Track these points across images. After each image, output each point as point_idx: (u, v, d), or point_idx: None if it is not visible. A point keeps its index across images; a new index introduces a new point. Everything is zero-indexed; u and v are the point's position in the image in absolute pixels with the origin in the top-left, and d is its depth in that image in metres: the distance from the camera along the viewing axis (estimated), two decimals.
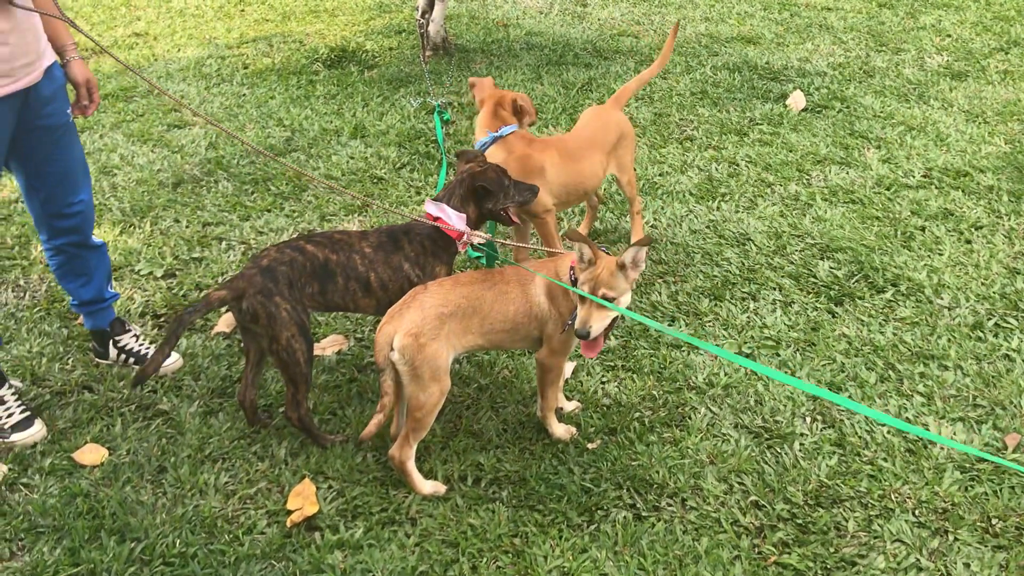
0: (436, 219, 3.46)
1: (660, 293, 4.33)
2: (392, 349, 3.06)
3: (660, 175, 5.49)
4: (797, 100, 6.42)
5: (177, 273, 4.66)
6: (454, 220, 3.47)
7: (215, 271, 4.65)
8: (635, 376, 3.77)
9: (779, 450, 3.35)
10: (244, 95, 6.91)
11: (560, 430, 3.45)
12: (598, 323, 3.06)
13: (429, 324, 3.06)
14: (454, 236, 3.47)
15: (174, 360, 3.91)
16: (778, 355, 3.86)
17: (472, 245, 3.49)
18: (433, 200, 3.49)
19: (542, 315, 3.27)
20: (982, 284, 4.28)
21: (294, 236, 4.91)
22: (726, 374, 3.75)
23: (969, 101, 6.32)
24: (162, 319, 4.30)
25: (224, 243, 4.93)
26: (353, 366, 3.90)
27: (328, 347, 4.03)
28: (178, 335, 3.17)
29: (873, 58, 7.30)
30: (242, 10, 9.25)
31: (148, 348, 3.95)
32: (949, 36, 7.77)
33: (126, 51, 8.07)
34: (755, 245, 4.70)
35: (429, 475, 3.27)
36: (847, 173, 5.41)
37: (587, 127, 4.50)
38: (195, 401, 3.69)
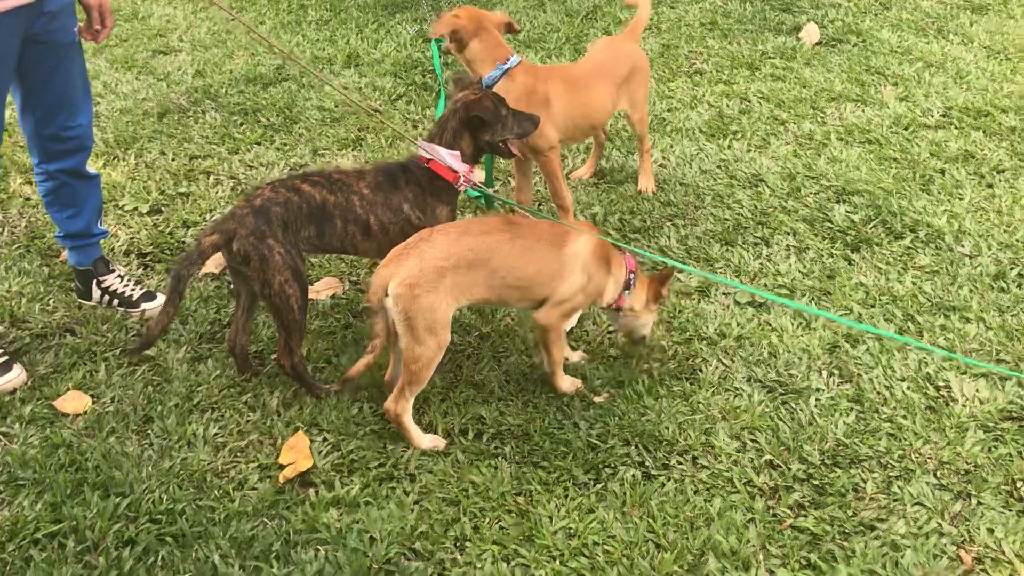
0: (428, 161, 3.24)
1: (669, 237, 4.15)
2: (387, 295, 2.91)
3: (669, 110, 5.26)
4: (811, 33, 6.15)
5: (163, 209, 4.45)
6: (447, 159, 3.25)
7: (203, 207, 4.44)
8: None
9: (794, 406, 3.20)
10: (233, 20, 6.60)
11: (566, 384, 3.29)
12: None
13: (427, 276, 2.89)
14: (449, 178, 3.25)
15: (159, 302, 3.73)
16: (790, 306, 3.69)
17: (472, 185, 3.27)
18: (425, 139, 3.27)
19: (568, 281, 3.12)
20: (1004, 231, 4.10)
21: (287, 173, 4.69)
22: (738, 324, 3.59)
23: (990, 36, 6.06)
24: (148, 257, 4.11)
25: (212, 177, 4.71)
26: (348, 311, 3.73)
27: (322, 290, 3.85)
28: (180, 292, 2.99)
29: None
30: None
31: (134, 289, 3.77)
32: None
33: None
34: (768, 187, 4.50)
35: (428, 428, 3.13)
36: (863, 111, 5.18)
37: (596, 57, 4.26)
38: (183, 347, 3.52)
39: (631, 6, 4.58)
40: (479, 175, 4.03)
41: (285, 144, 4.99)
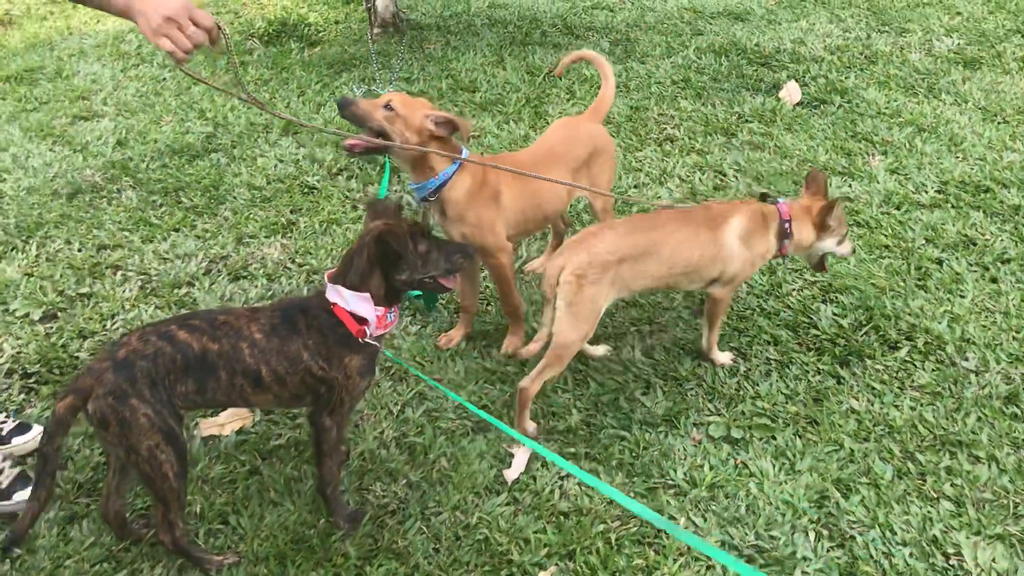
0: (333, 305, 2.68)
1: (633, 348, 3.63)
2: (558, 283, 3.12)
3: (636, 186, 4.75)
4: (792, 92, 5.67)
5: (59, 314, 3.90)
6: (353, 304, 2.68)
7: (104, 311, 3.89)
8: (601, 469, 3.08)
9: None
10: (164, 79, 6.08)
11: (724, 358, 3.52)
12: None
13: (593, 269, 3.10)
14: (353, 329, 2.68)
15: (33, 435, 3.19)
16: (774, 439, 3.17)
17: (378, 344, 2.68)
18: (331, 279, 2.71)
19: (731, 258, 3.30)
20: (1014, 338, 3.60)
21: (205, 266, 4.15)
22: (711, 467, 3.07)
23: (985, 95, 5.59)
24: (32, 379, 3.55)
25: (120, 273, 4.17)
26: (256, 451, 3.18)
27: (227, 423, 3.30)
28: (50, 472, 2.44)
29: (875, 40, 6.53)
30: None
31: (11, 427, 3.22)
32: (959, 14, 7.00)
33: (38, 22, 7.19)
34: (746, 284, 3.99)
35: None
36: (850, 186, 4.69)
37: (549, 139, 3.73)
38: (55, 502, 2.96)
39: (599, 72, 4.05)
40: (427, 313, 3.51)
41: (207, 231, 4.45)
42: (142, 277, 4.13)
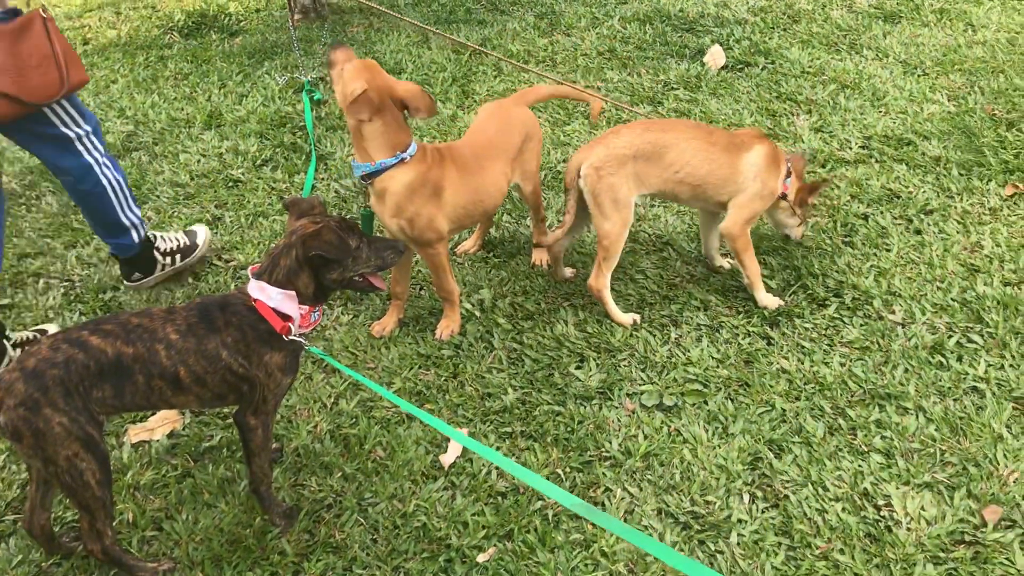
0: (256, 301, 2.64)
1: (566, 322, 3.62)
2: (579, 176, 3.45)
3: (565, 161, 4.73)
4: (716, 57, 5.68)
5: None
6: (277, 301, 2.63)
7: (28, 321, 3.80)
8: (537, 446, 3.07)
9: (713, 545, 2.70)
10: None
11: (770, 301, 3.59)
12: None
13: (611, 161, 3.39)
14: (277, 326, 2.64)
15: None
16: (706, 404, 3.19)
17: (303, 342, 2.65)
18: (255, 274, 2.66)
19: (745, 190, 3.49)
20: (938, 288, 3.65)
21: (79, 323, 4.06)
22: (646, 436, 3.08)
23: (905, 49, 5.65)
24: None
25: (42, 281, 4.06)
26: (188, 454, 3.13)
27: (157, 428, 3.24)
28: None
29: None
30: None
31: None
32: None
33: None
34: (674, 250, 4.00)
35: None
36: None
37: (485, 128, 3.66)
38: None
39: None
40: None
41: None
42: (65, 284, 4.04)
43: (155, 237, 3.97)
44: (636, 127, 3.52)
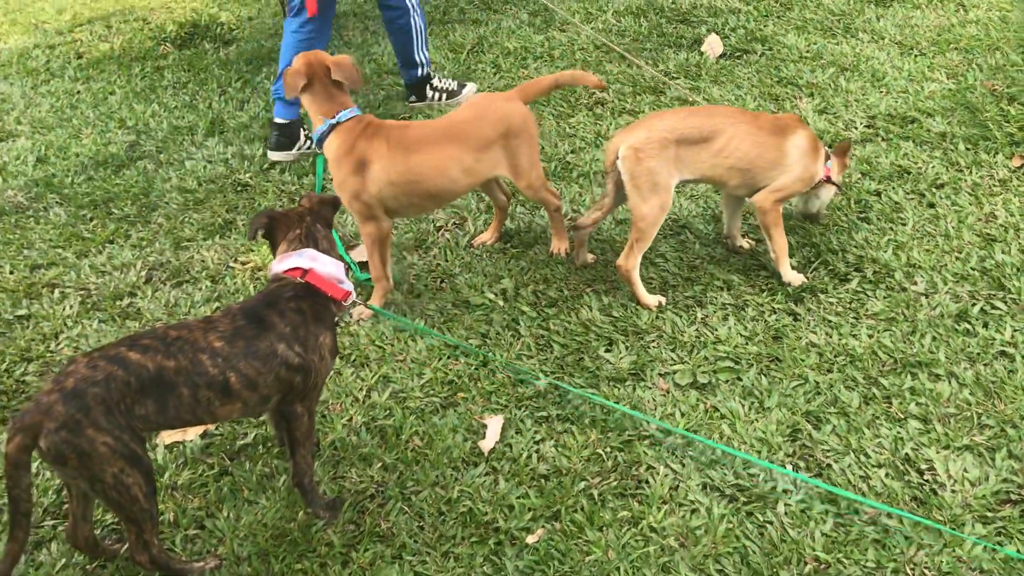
0: (306, 274, 2.66)
1: (591, 307, 3.63)
2: (618, 158, 3.44)
3: (572, 152, 4.74)
4: (714, 45, 5.71)
5: None
6: (331, 267, 2.69)
7: (47, 331, 3.76)
8: (574, 429, 3.07)
9: (761, 517, 2.71)
10: (79, 92, 5.88)
11: (793, 276, 3.59)
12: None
13: (652, 144, 3.38)
14: (339, 295, 2.68)
15: None
16: (740, 380, 3.20)
17: (362, 304, 2.71)
18: (292, 250, 2.68)
19: (788, 172, 3.50)
20: (957, 258, 3.69)
21: (144, 275, 4.04)
22: (683, 414, 3.09)
23: (900, 31, 5.71)
24: None
25: (57, 291, 4.03)
26: (223, 453, 3.11)
27: (189, 428, 3.22)
28: (25, 513, 2.32)
29: None
30: None
31: None
32: None
33: None
34: (692, 233, 4.02)
35: None
36: None
37: (455, 116, 3.72)
38: None
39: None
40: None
41: (142, 239, 4.33)
42: (81, 292, 4.00)
43: (433, 76, 5.32)
44: (680, 112, 3.57)
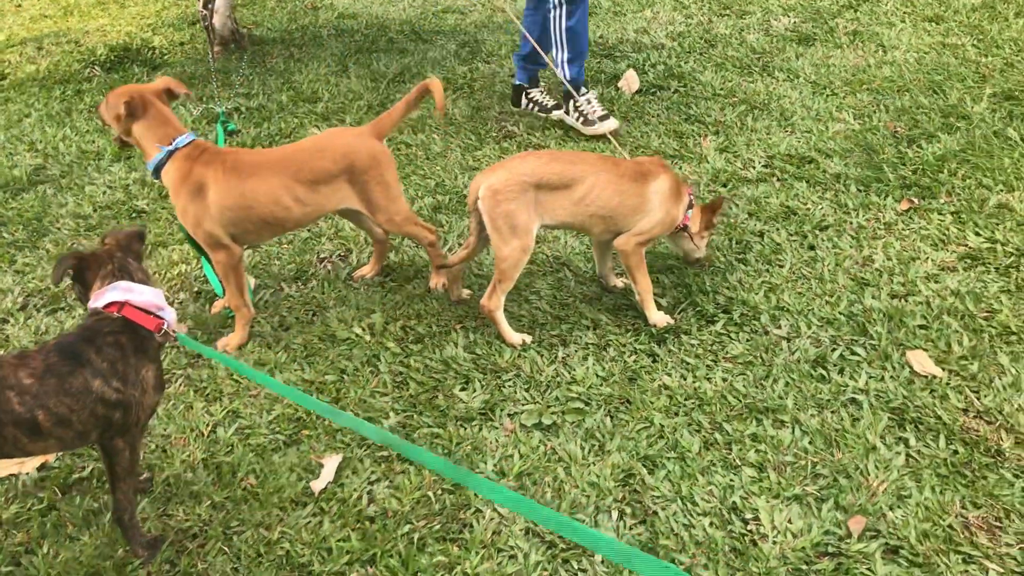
0: (122, 307, 2.62)
1: (456, 344, 3.59)
2: (478, 197, 3.41)
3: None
4: (631, 81, 5.73)
5: None
6: (149, 295, 2.65)
7: None
8: (412, 468, 3.03)
9: (576, 564, 2.66)
10: None
11: (659, 317, 3.57)
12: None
13: (511, 186, 3.36)
14: (151, 325, 2.64)
15: None
16: (583, 424, 3.17)
17: (174, 334, 2.66)
18: (104, 281, 2.65)
19: (649, 216, 3.49)
20: (827, 302, 3.67)
21: (20, 302, 4.00)
22: (521, 455, 3.05)
23: (816, 70, 5.73)
24: None
25: None
26: (56, 486, 3.06)
27: (28, 460, 3.17)
28: None
29: (716, 24, 6.66)
30: (19, 5, 8.09)
31: None
32: None
33: None
34: (571, 271, 4.00)
35: None
36: (680, 168, 4.75)
37: (295, 145, 3.71)
38: None
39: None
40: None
41: (27, 265, 4.30)
42: None
43: (531, 88, 5.46)
44: (543, 156, 3.51)
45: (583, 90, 5.13)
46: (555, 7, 4.95)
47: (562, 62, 5.05)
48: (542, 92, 5.41)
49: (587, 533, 1.81)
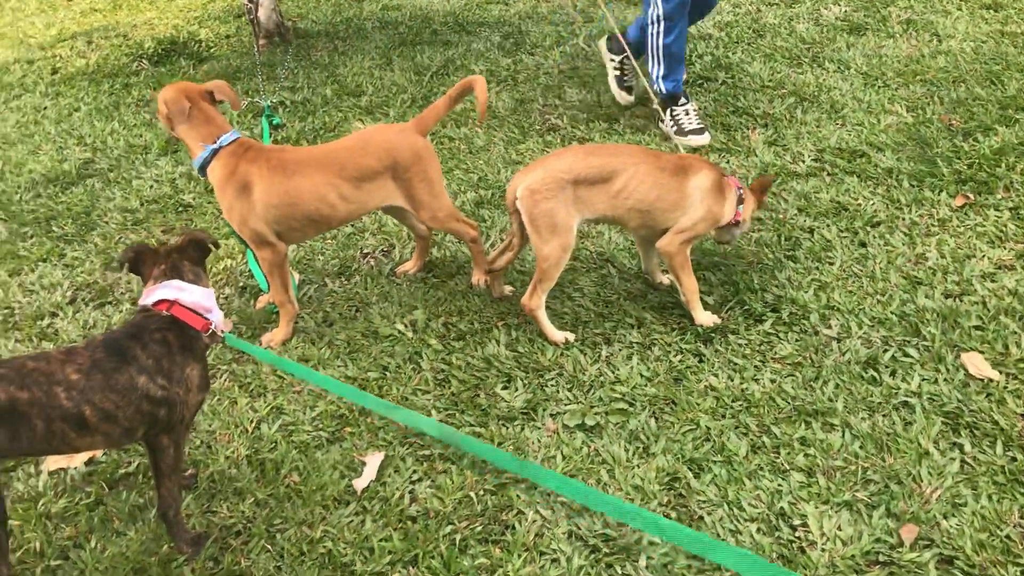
0: (171, 307, 2.64)
1: (498, 341, 3.57)
2: (516, 198, 3.37)
3: None
4: None
5: None
6: (197, 296, 2.68)
7: None
8: (454, 469, 3.01)
9: (620, 569, 2.63)
10: (45, 108, 5.95)
11: (706, 318, 3.51)
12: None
13: (548, 185, 3.31)
14: (199, 325, 2.66)
15: None
16: (627, 425, 3.12)
17: (222, 333, 2.69)
18: (156, 281, 2.68)
19: (690, 213, 3.42)
20: (878, 301, 3.57)
21: (70, 296, 4.05)
22: (564, 457, 3.02)
23: (868, 61, 5.59)
24: None
25: None
26: (104, 481, 3.09)
27: (77, 455, 3.21)
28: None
29: (764, 13, 6.53)
30: (70, 0, 8.19)
31: None
32: None
33: None
34: (615, 267, 3.95)
35: None
36: (728, 162, 4.66)
37: (338, 143, 3.69)
38: None
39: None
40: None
41: (76, 259, 4.35)
42: (4, 311, 4.03)
43: (677, 104, 5.01)
44: (579, 151, 3.47)
45: (682, 100, 4.98)
46: (653, 23, 4.81)
47: (658, 77, 4.93)
48: (687, 113, 5.00)
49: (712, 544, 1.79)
